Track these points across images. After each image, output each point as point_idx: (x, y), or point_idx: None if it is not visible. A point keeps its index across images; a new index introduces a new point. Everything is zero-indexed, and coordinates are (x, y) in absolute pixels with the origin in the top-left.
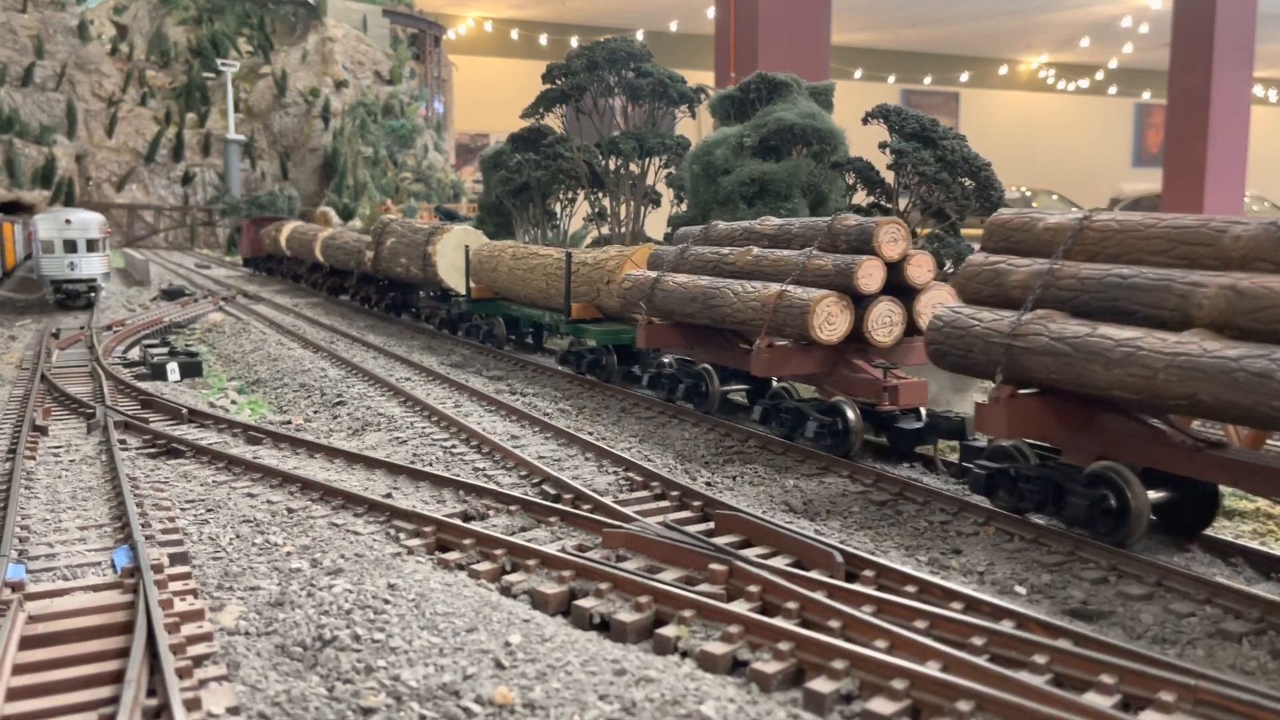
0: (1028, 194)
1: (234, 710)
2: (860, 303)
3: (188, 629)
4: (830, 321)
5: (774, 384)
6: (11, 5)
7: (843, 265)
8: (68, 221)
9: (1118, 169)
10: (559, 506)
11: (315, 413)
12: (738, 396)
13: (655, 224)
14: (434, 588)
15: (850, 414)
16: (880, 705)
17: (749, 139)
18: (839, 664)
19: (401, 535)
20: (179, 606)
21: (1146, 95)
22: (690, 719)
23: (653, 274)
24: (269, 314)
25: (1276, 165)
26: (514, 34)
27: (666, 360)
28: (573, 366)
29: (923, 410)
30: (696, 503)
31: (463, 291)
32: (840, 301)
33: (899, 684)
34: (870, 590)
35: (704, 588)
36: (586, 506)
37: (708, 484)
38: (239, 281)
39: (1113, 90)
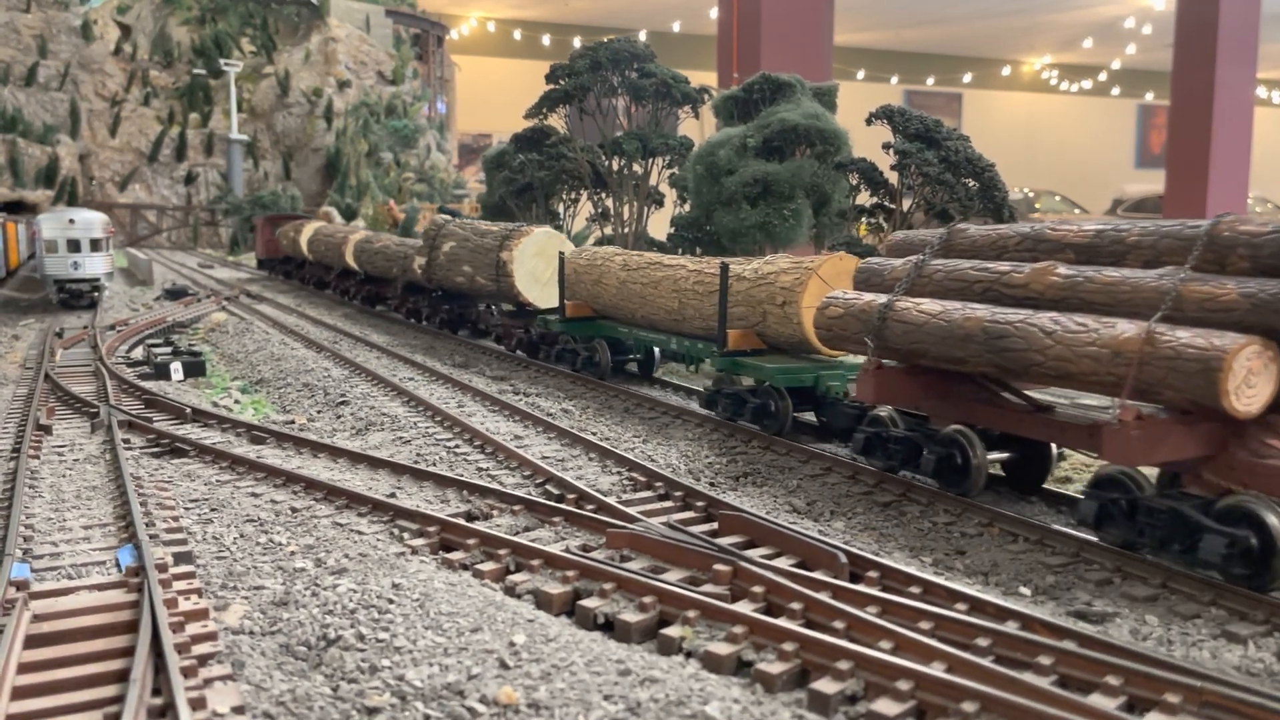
0: (1030, 195)
1: (239, 709)
2: None
3: (192, 628)
4: (1250, 383)
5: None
6: (15, 5)
7: (1268, 295)
8: (71, 221)
9: (1120, 170)
10: (563, 506)
11: (319, 412)
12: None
13: (658, 224)
14: (438, 587)
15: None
16: (885, 706)
17: (752, 139)
18: (844, 665)
19: (405, 535)
20: (183, 606)
21: (1149, 96)
22: (695, 719)
23: (877, 298)
24: (273, 314)
25: (1279, 166)
26: (517, 34)
27: (881, 413)
28: (724, 410)
29: None
30: (700, 503)
31: (543, 305)
32: (1266, 352)
33: (904, 685)
34: (875, 591)
35: (708, 588)
36: (590, 507)
37: (711, 484)
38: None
39: (1116, 91)
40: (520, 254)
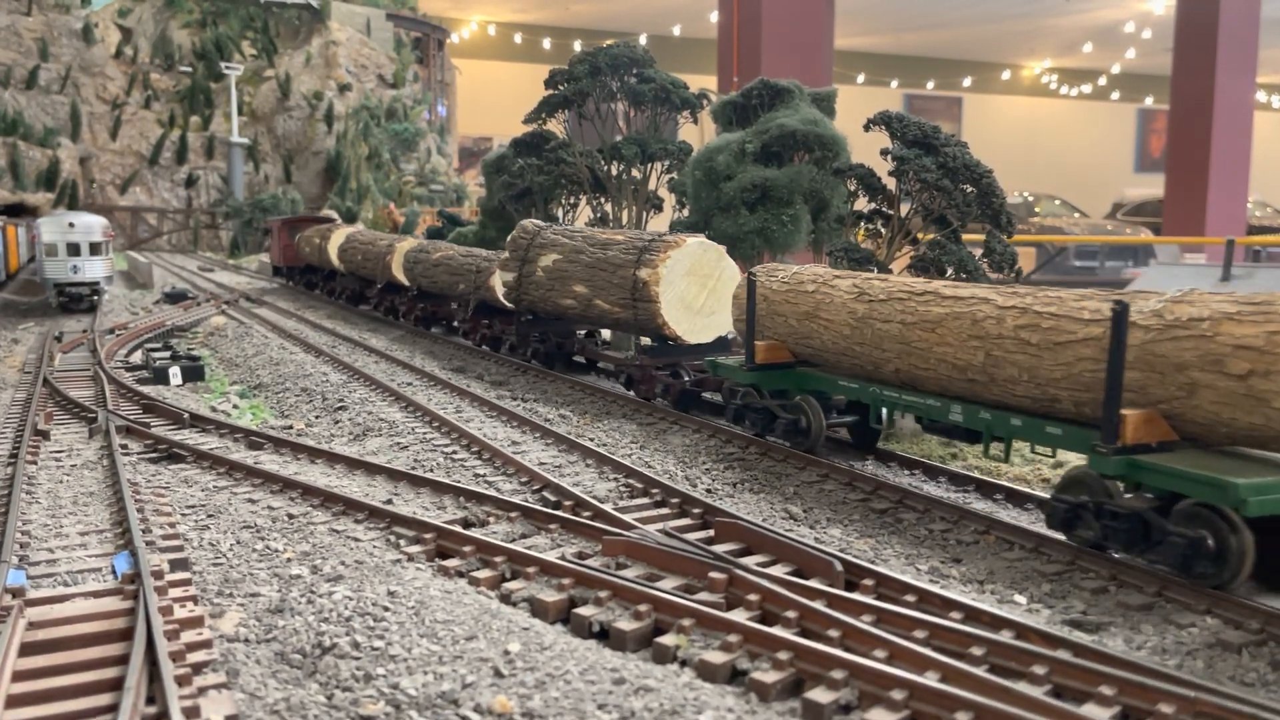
0: (1030, 199)
1: (233, 718)
2: None
3: (187, 636)
4: None
5: None
6: (16, 8)
7: None
8: (71, 224)
9: (1120, 174)
10: (559, 514)
11: (316, 418)
12: None
13: (657, 229)
14: (434, 595)
15: None
16: (879, 716)
17: (751, 145)
18: (838, 674)
19: (402, 542)
20: (179, 613)
21: (1149, 100)
22: None
23: None
24: (272, 318)
25: (1279, 170)
26: (517, 38)
27: None
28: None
29: None
30: (696, 510)
31: (692, 339)
32: None
33: (898, 694)
34: (870, 600)
35: (703, 596)
36: (586, 514)
37: (708, 491)
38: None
39: (1115, 95)
40: (668, 272)
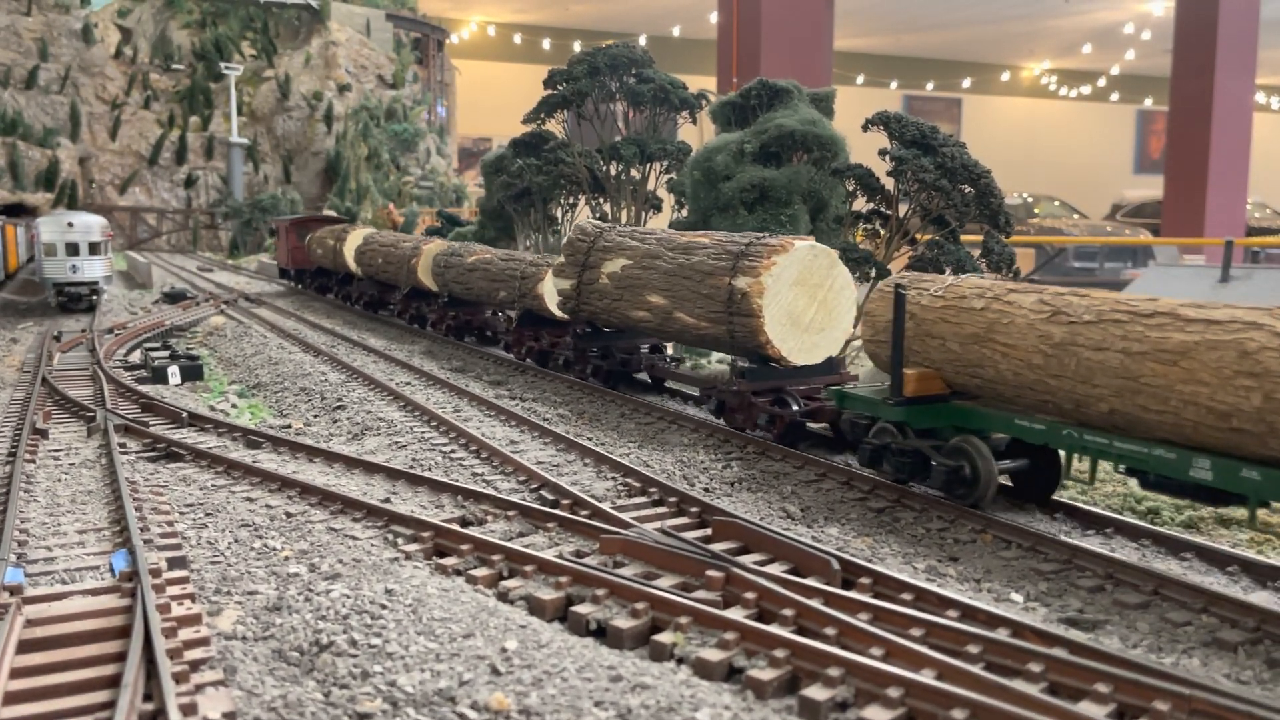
0: (1030, 200)
1: (230, 715)
2: None
3: (185, 633)
4: None
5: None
6: (16, 8)
7: None
8: (70, 224)
9: (1120, 175)
10: (557, 512)
11: (315, 417)
12: None
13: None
14: (431, 593)
15: None
16: (875, 713)
17: (749, 145)
18: (834, 671)
19: (399, 540)
20: (176, 611)
21: (1149, 102)
22: None
23: None
24: (270, 317)
25: (1278, 171)
26: (517, 38)
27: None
28: None
29: None
30: (694, 509)
31: (800, 360)
32: None
33: (894, 692)
34: (867, 598)
35: (700, 594)
36: (584, 512)
37: (706, 490)
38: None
39: (1115, 97)
40: (772, 281)
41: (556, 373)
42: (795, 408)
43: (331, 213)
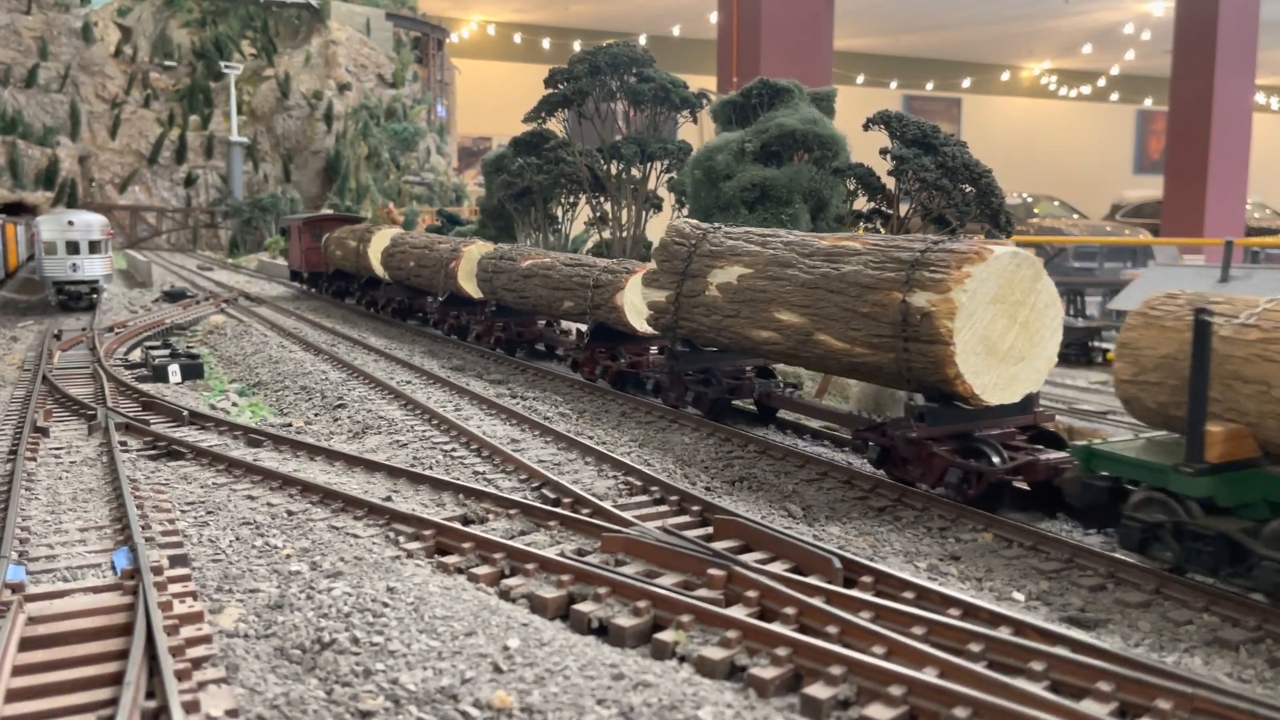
0: (1029, 199)
1: (232, 713)
2: None
3: (187, 631)
4: None
5: None
6: (16, 7)
7: None
8: (70, 223)
9: (1119, 175)
10: (558, 511)
11: (316, 415)
12: None
13: (656, 229)
14: (433, 591)
15: None
16: (877, 711)
17: (750, 144)
18: (836, 670)
19: (401, 538)
20: (178, 609)
21: (1148, 102)
22: None
23: None
24: (271, 316)
25: (1278, 172)
26: (517, 38)
27: None
28: None
29: None
30: (696, 508)
31: (995, 398)
32: None
33: (896, 690)
34: (868, 596)
35: (702, 593)
36: (586, 511)
37: (707, 489)
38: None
39: (1115, 97)
40: (966, 299)
41: (636, 396)
42: (997, 460)
43: (352, 211)
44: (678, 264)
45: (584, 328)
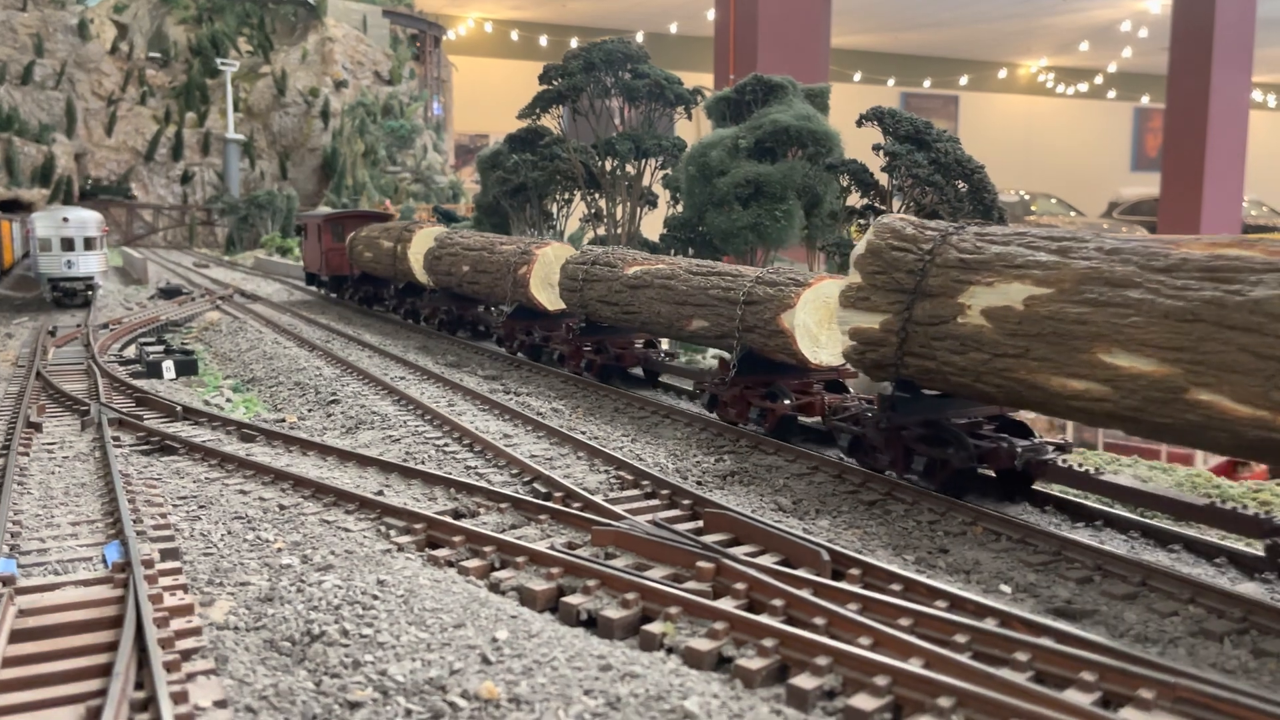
0: (1026, 197)
1: (221, 703)
2: None
3: (177, 623)
4: None
5: None
6: (11, 4)
7: None
8: (65, 219)
9: (1116, 173)
10: (549, 505)
11: (309, 411)
12: None
13: (651, 225)
14: (423, 584)
15: None
16: (862, 701)
17: (744, 141)
18: (822, 660)
19: (392, 532)
20: (169, 601)
21: (1145, 99)
22: (674, 714)
23: None
24: (265, 312)
25: (1275, 169)
26: (514, 35)
27: None
28: None
29: None
30: (686, 501)
31: None
32: None
33: (881, 680)
34: (856, 588)
35: (691, 585)
36: (576, 505)
37: (698, 483)
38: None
39: (1112, 94)
40: None
41: (804, 447)
42: None
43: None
44: (902, 278)
45: (714, 353)
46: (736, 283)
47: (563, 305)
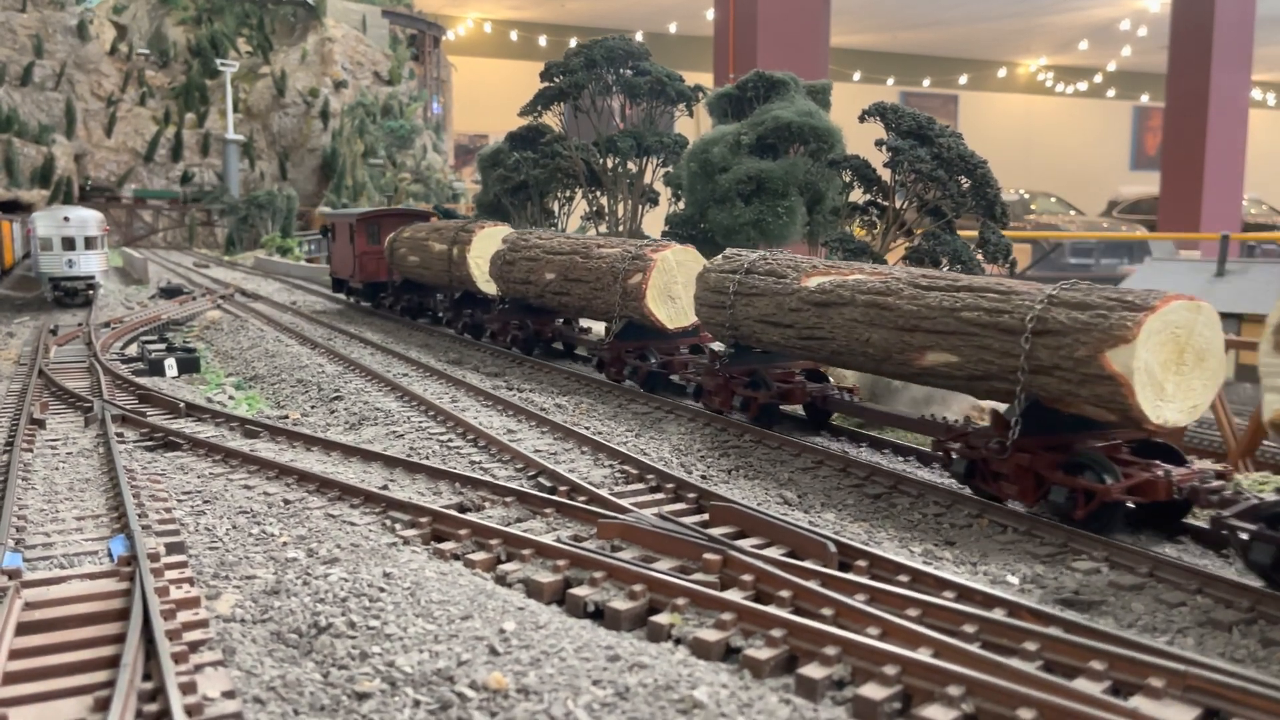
0: (1026, 196)
1: (229, 694)
2: None
3: (183, 616)
4: None
5: None
6: (11, 5)
7: None
8: (66, 219)
9: (1116, 171)
10: (554, 498)
11: (312, 407)
12: None
13: (653, 223)
14: (429, 576)
15: None
16: (872, 690)
17: (746, 137)
18: (831, 650)
19: (398, 526)
20: (175, 594)
21: (1145, 98)
22: (683, 704)
23: None
24: (266, 311)
25: (1274, 168)
26: (513, 35)
27: None
28: None
29: None
30: (692, 495)
31: None
32: None
33: (890, 669)
34: (863, 580)
35: (698, 577)
36: (582, 498)
37: (703, 477)
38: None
39: (1111, 93)
40: None
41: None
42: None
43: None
44: None
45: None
46: (1011, 302)
47: (686, 323)
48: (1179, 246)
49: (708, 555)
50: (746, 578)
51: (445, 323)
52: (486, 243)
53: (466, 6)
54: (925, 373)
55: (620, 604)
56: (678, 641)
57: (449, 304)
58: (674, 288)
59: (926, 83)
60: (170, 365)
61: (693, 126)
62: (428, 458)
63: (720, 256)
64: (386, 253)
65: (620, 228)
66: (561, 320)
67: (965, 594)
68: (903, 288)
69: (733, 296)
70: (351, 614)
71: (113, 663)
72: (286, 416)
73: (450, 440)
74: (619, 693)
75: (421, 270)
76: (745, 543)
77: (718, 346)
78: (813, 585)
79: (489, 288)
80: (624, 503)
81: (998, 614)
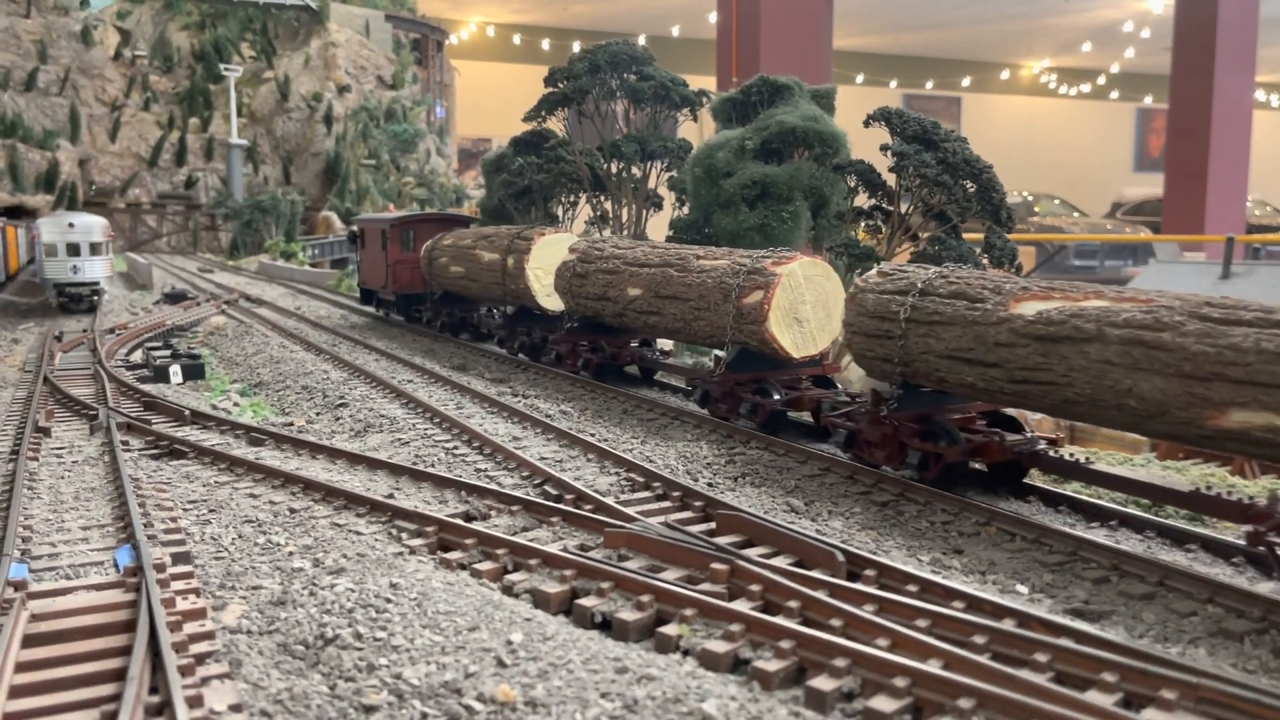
0: (1030, 198)
1: (236, 707)
2: None
3: (190, 627)
4: None
5: None
6: (15, 10)
7: None
8: (70, 225)
9: (1119, 173)
10: (561, 507)
11: (317, 414)
12: None
13: (657, 227)
14: (436, 587)
15: None
16: (882, 703)
17: (750, 142)
18: (840, 662)
19: (404, 535)
20: (181, 605)
21: (1148, 100)
22: (692, 716)
23: None
24: (271, 317)
25: (1278, 170)
26: (516, 39)
27: None
28: None
29: None
30: (698, 503)
31: None
32: None
33: (900, 682)
34: (872, 589)
35: (705, 587)
36: (588, 507)
37: (709, 485)
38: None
39: (1114, 95)
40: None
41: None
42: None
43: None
44: None
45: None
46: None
47: (814, 350)
48: (1183, 249)
49: (715, 565)
50: (754, 588)
51: (497, 342)
52: (548, 251)
53: (469, 10)
54: (1224, 436)
55: (628, 615)
56: (686, 653)
57: (503, 322)
58: (801, 308)
59: (929, 85)
60: (175, 372)
61: (696, 131)
62: (433, 466)
63: (876, 272)
64: (424, 262)
65: (624, 232)
66: (637, 342)
67: (975, 604)
68: (1183, 321)
69: (904, 324)
70: (358, 625)
71: (119, 675)
72: (292, 423)
73: (456, 448)
74: (627, 705)
75: (467, 282)
76: (752, 552)
77: (853, 378)
78: (821, 596)
79: (550, 303)
80: (630, 511)
81: (1008, 624)
